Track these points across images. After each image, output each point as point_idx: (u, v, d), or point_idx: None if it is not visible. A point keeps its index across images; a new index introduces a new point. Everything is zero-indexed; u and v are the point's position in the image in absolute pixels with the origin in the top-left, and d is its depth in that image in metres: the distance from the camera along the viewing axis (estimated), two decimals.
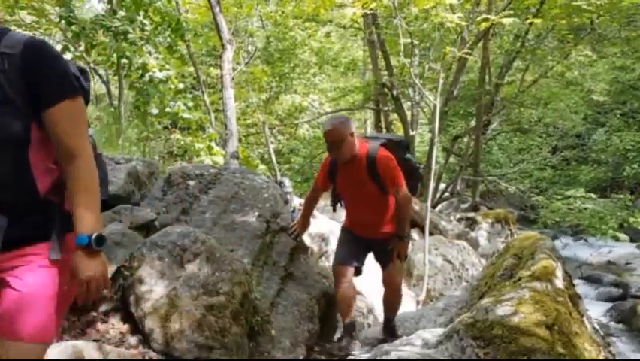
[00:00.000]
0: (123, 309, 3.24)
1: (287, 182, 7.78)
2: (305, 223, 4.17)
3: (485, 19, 7.32)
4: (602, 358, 2.74)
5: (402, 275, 4.24)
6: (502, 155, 17.16)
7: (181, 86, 7.97)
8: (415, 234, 9.64)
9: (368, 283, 6.77)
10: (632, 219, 9.30)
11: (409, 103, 14.75)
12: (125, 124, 9.06)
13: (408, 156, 3.93)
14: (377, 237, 3.82)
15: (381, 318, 5.49)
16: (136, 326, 3.12)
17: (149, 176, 5.17)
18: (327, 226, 7.46)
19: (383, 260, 3.91)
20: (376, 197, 3.69)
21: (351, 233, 3.95)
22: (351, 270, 3.86)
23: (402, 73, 13.48)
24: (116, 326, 3.17)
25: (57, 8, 7.72)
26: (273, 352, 3.47)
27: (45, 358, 1.66)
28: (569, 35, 12.78)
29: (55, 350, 2.55)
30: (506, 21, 6.88)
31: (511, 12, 7.60)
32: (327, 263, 6.90)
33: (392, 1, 7.48)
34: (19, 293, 1.53)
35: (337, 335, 4.41)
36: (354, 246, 3.89)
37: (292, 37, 13.86)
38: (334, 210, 4.30)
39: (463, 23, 7.82)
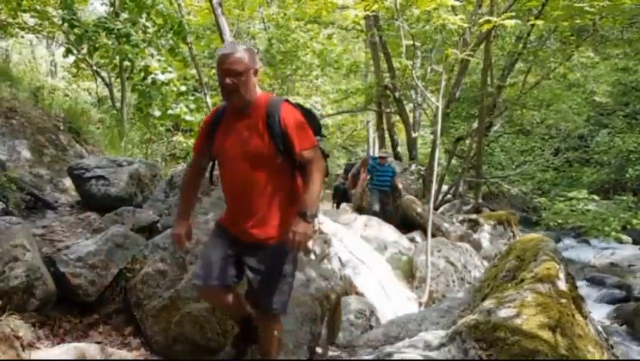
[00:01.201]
0: (125, 311, 3.24)
1: None
2: (183, 220, 2.79)
3: (487, 21, 7.31)
4: (605, 360, 2.73)
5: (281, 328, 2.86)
6: (504, 156, 17.12)
7: (183, 88, 7.97)
8: (417, 236, 9.64)
9: (369, 282, 6.78)
10: (634, 221, 9.26)
11: (411, 105, 14.76)
12: (128, 126, 9.08)
13: (318, 137, 2.78)
14: (258, 240, 2.59)
15: (384, 319, 5.50)
16: (138, 328, 3.13)
17: (152, 178, 5.18)
18: (330, 227, 7.46)
19: (260, 290, 2.64)
20: (269, 167, 2.56)
21: (224, 232, 2.71)
22: (220, 291, 2.70)
23: (404, 75, 13.50)
24: (118, 327, 3.17)
25: (60, 11, 7.74)
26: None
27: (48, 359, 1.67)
28: (571, 37, 12.76)
29: (57, 352, 2.55)
30: (508, 23, 6.86)
31: (513, 14, 7.58)
32: (330, 265, 6.90)
33: (394, 3, 7.47)
34: None
35: (341, 336, 4.41)
36: (222, 252, 2.65)
37: (294, 40, 13.88)
38: (211, 182, 3.15)
39: (465, 25, 7.81)
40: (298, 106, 2.75)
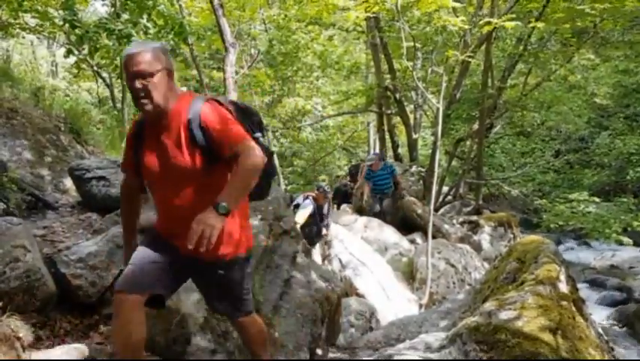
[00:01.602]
0: None
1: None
2: (129, 242, 2.60)
3: (488, 23, 7.32)
4: None
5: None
6: (504, 158, 17.13)
7: (184, 89, 7.96)
8: (417, 237, 9.64)
9: (369, 283, 6.78)
10: (635, 223, 9.25)
11: (411, 106, 14.76)
12: (129, 127, 9.08)
13: (258, 134, 2.46)
14: (210, 257, 2.26)
15: (384, 321, 5.50)
16: None
17: None
18: (330, 229, 7.46)
19: (224, 302, 2.48)
20: (202, 183, 2.24)
21: (160, 241, 2.40)
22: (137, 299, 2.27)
23: (404, 76, 13.49)
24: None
25: (61, 12, 7.74)
26: (276, 355, 3.46)
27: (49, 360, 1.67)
28: (572, 39, 12.76)
29: (58, 352, 2.55)
30: (509, 25, 6.87)
31: (514, 15, 7.60)
32: (330, 266, 6.91)
33: (395, 4, 7.48)
34: None
35: (341, 337, 4.40)
36: (154, 259, 2.32)
37: (295, 41, 13.88)
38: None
39: (466, 27, 7.81)
40: (232, 103, 2.45)
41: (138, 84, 2.16)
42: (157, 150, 2.27)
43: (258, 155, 2.17)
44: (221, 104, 2.33)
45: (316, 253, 7.05)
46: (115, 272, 3.35)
